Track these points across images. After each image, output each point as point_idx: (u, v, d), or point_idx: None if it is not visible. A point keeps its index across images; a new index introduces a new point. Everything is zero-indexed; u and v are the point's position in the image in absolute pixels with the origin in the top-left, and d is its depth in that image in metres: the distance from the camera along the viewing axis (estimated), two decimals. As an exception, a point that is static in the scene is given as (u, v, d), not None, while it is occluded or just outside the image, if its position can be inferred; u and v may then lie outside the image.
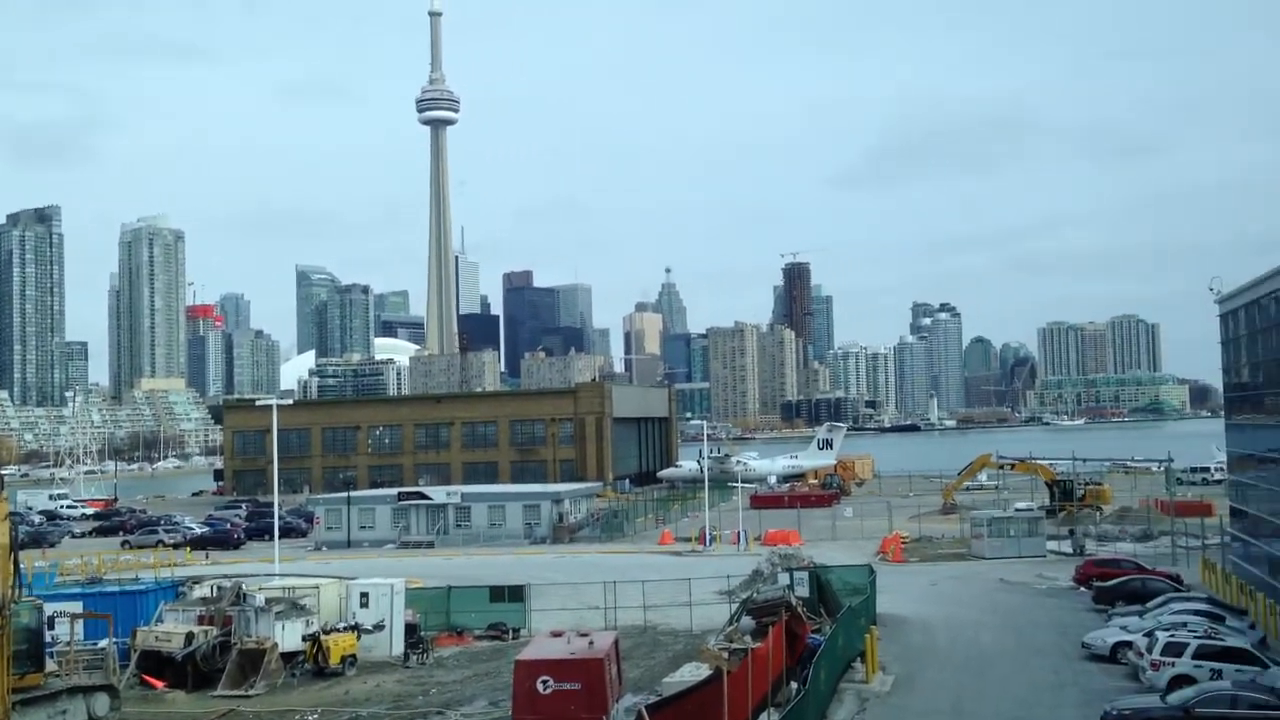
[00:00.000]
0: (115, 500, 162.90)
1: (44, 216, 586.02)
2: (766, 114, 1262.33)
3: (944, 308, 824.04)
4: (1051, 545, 75.71)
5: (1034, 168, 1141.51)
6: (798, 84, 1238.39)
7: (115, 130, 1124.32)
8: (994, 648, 46.47)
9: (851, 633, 42.03)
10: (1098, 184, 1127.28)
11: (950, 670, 42.52)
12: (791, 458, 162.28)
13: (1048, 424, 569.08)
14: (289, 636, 45.33)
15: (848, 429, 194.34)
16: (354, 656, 45.75)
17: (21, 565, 33.18)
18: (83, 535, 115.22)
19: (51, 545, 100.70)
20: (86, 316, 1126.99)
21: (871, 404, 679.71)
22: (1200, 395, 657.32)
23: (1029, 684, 40.11)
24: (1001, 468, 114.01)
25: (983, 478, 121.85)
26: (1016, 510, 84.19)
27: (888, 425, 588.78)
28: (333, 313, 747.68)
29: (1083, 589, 58.91)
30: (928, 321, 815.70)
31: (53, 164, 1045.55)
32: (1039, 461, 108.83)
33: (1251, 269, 53.96)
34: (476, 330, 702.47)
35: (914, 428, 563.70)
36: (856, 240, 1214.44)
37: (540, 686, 33.13)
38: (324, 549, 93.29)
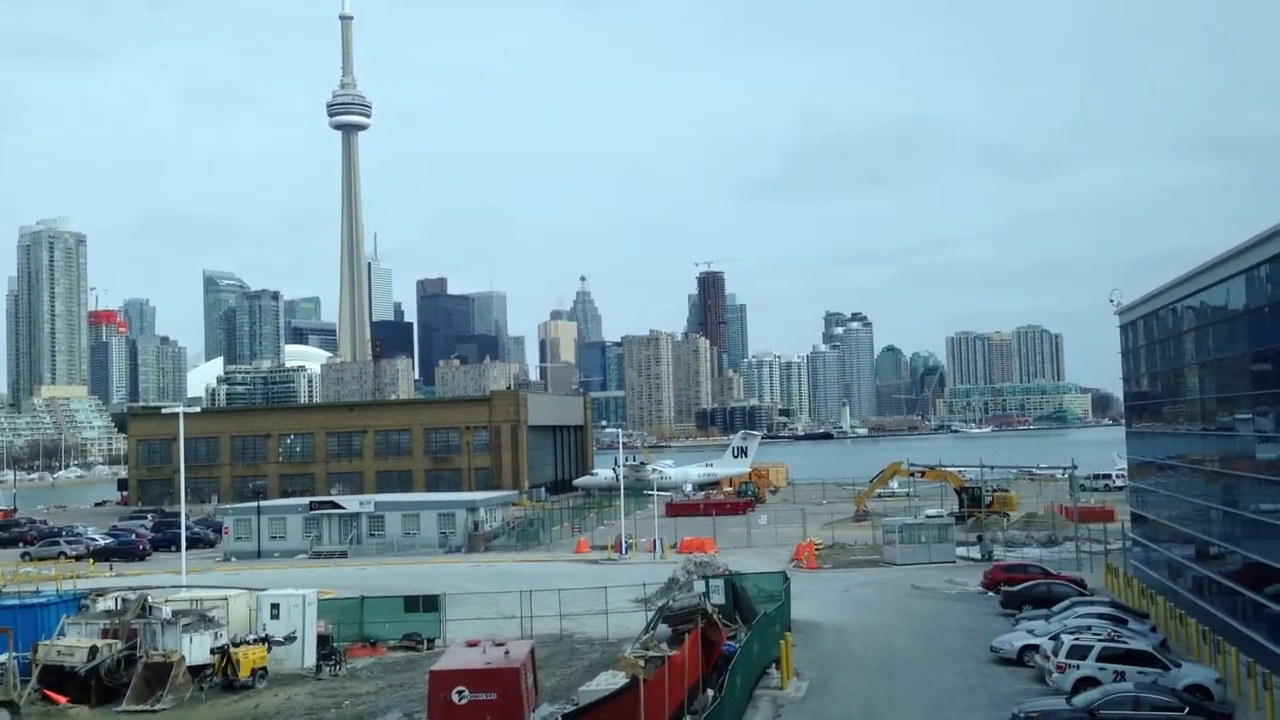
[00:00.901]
0: (14, 510, 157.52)
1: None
2: (681, 125, 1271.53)
3: (855, 317, 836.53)
4: (961, 551, 77.28)
5: (936, 183, 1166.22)
6: (710, 96, 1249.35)
7: (12, 130, 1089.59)
8: (906, 652, 47.26)
9: (767, 639, 42.43)
10: (996, 200, 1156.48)
11: (863, 675, 43.15)
12: (706, 466, 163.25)
13: (956, 432, 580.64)
14: (197, 649, 44.39)
15: (762, 437, 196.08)
16: (265, 669, 44.93)
17: (-85, 579, 31.97)
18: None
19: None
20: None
21: (785, 412, 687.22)
22: (1102, 404, 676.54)
23: (940, 688, 40.88)
24: (912, 475, 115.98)
25: (894, 485, 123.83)
26: (927, 517, 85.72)
27: (801, 433, 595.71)
28: (242, 319, 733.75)
29: (991, 594, 60.23)
30: (840, 331, 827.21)
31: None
32: (948, 469, 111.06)
33: (1148, 283, 55.84)
34: (390, 337, 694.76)
35: (827, 435, 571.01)
36: (769, 251, 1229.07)
37: (455, 697, 32.88)
38: (233, 560, 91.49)
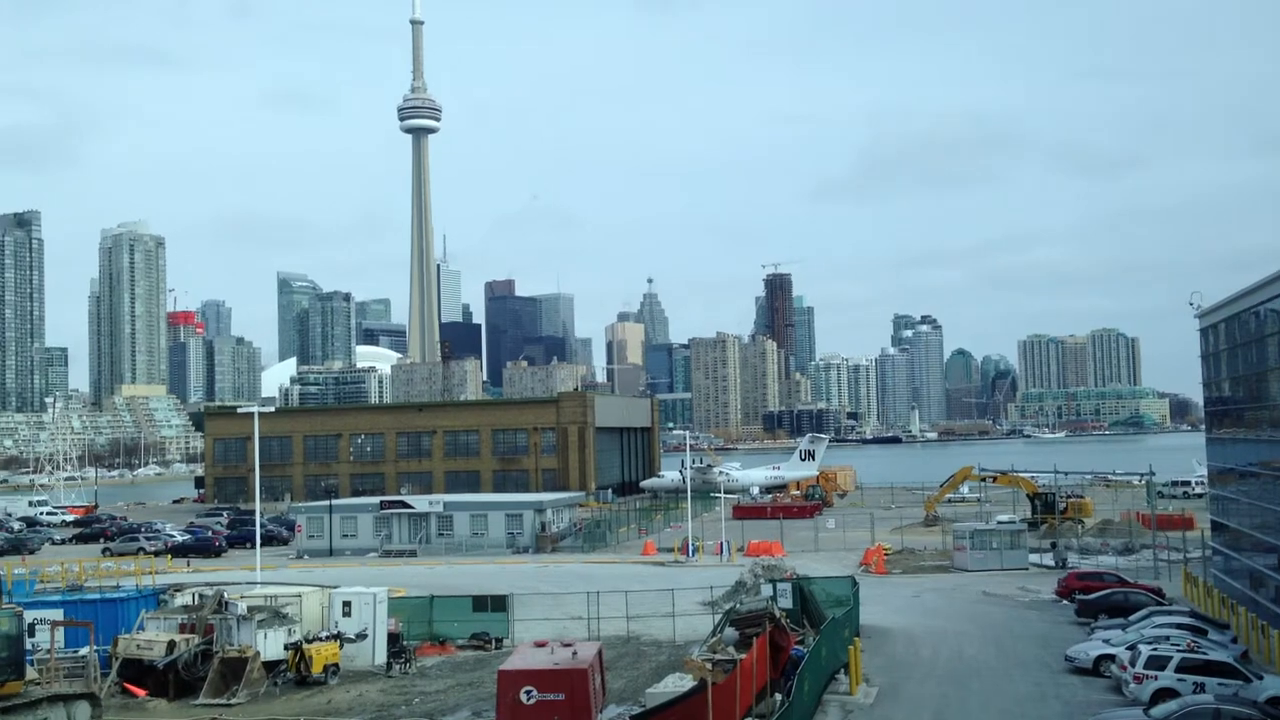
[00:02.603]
0: (95, 507, 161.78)
1: (23, 221, 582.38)
2: (749, 126, 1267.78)
3: (925, 320, 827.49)
4: (1034, 558, 76.00)
5: (1011, 183, 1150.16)
6: (780, 97, 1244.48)
7: (96, 136, 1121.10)
8: (977, 660, 46.58)
9: (835, 644, 42.07)
10: (1074, 200, 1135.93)
11: (933, 682, 42.60)
12: (774, 469, 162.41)
13: (1029, 437, 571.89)
14: (271, 645, 45.09)
15: (830, 440, 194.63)
16: (336, 665, 45.53)
17: (1, 572, 32.88)
18: (63, 542, 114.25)
19: (31, 552, 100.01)
20: (67, 323, 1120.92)
21: (853, 415, 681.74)
22: (1180, 409, 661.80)
23: (1012, 696, 40.22)
24: (983, 480, 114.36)
25: (964, 490, 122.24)
26: (999, 523, 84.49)
27: (869, 437, 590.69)
28: (314, 320, 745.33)
29: (1065, 602, 59.13)
30: (909, 333, 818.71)
31: (32, 169, 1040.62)
32: (1021, 474, 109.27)
33: (1228, 284, 54.52)
34: (458, 339, 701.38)
35: (895, 439, 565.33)
36: (837, 253, 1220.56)
37: (524, 697, 33.03)
38: (306, 557, 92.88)
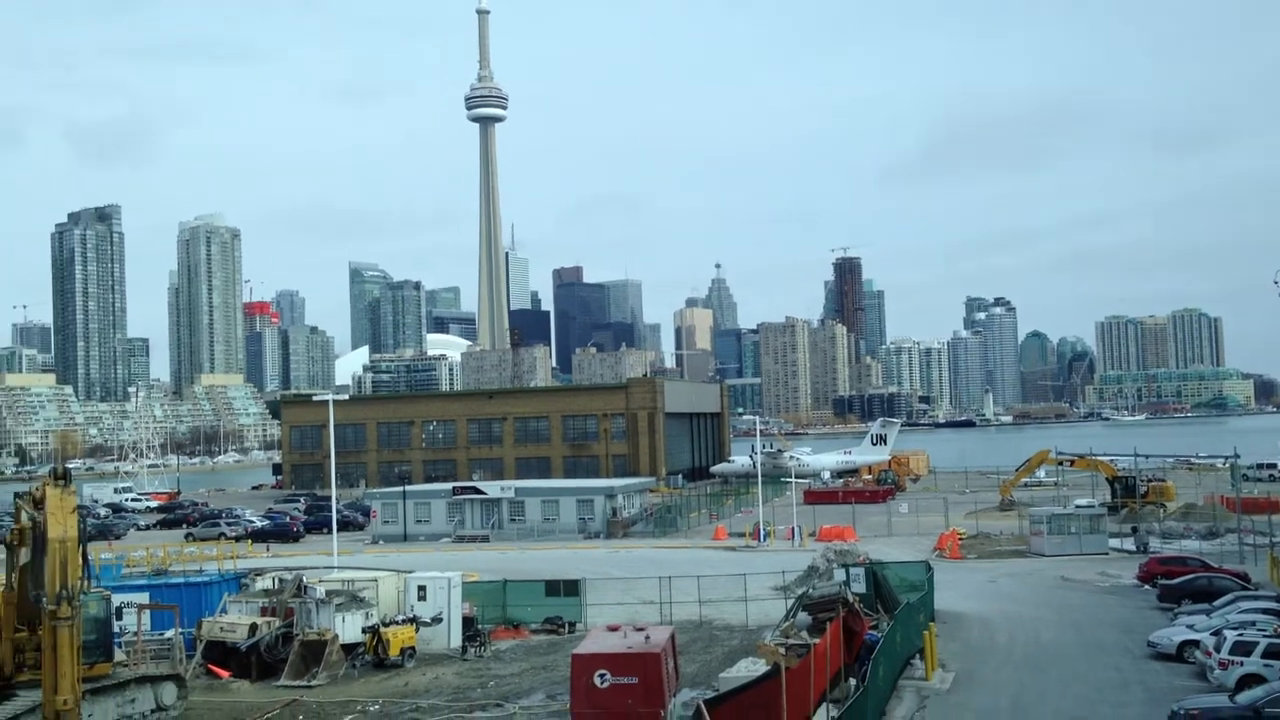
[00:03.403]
0: (178, 493, 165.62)
1: (104, 215, 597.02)
2: (817, 109, 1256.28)
3: (998, 302, 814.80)
4: (1114, 543, 74.60)
5: (1089, 162, 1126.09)
6: (849, 78, 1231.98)
7: (174, 130, 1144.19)
8: (1055, 645, 45.87)
9: (910, 629, 41.68)
10: (1155, 178, 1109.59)
11: (1011, 668, 42.04)
12: (845, 453, 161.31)
13: (1107, 419, 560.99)
14: (349, 628, 45.84)
15: (901, 424, 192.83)
16: (413, 649, 46.15)
17: (89, 557, 33.76)
18: (147, 528, 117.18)
19: (117, 537, 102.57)
20: (148, 313, 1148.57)
21: (925, 399, 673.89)
22: (1266, 390, 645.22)
23: (1092, 682, 39.55)
24: (1061, 464, 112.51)
25: (1041, 474, 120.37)
26: (1077, 507, 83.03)
27: (942, 421, 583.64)
28: (385, 309, 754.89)
29: (1147, 587, 57.97)
30: (982, 316, 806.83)
31: (112, 163, 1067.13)
32: (1099, 458, 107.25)
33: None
34: (527, 326, 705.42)
35: (969, 423, 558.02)
36: (908, 235, 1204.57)
37: (597, 680, 33.20)
38: (381, 542, 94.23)
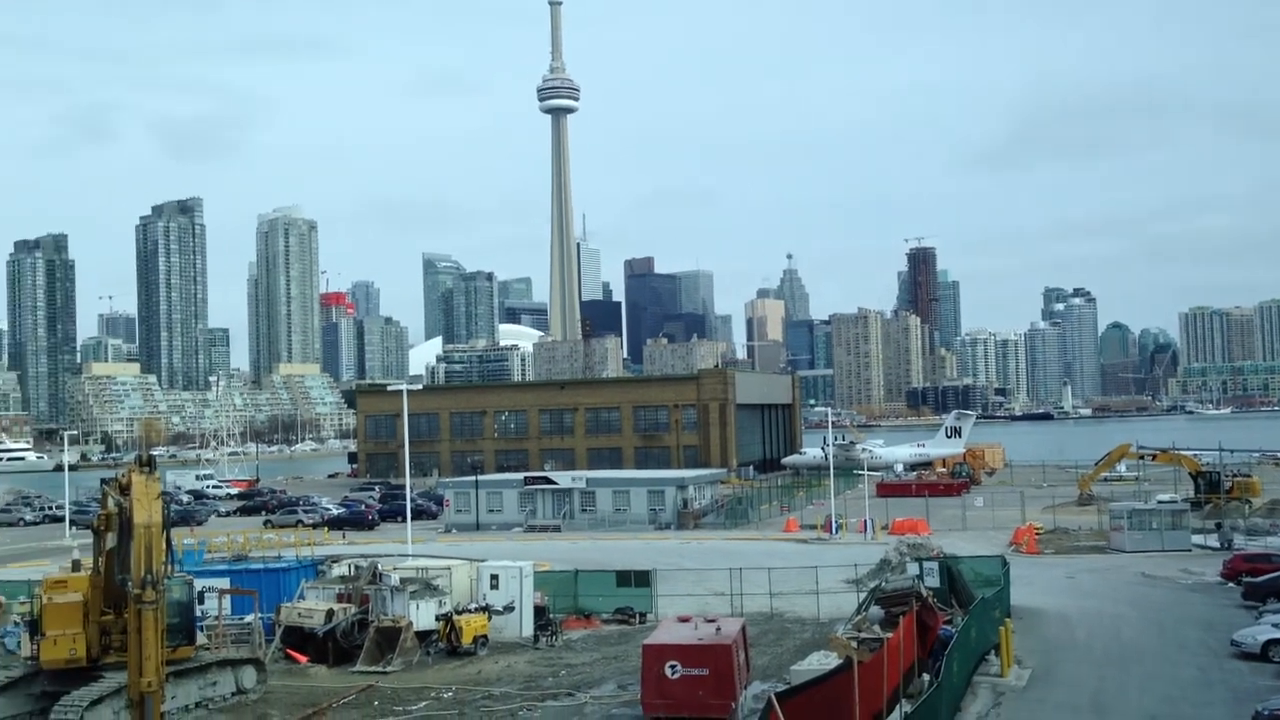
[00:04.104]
0: (257, 481, 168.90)
1: (187, 208, 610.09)
2: (890, 98, 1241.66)
3: (1078, 293, 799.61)
4: (1197, 539, 72.78)
5: (1170, 149, 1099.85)
6: (922, 66, 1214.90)
7: (254, 124, 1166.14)
8: (1136, 643, 44.92)
9: (985, 625, 41.07)
10: (1238, 165, 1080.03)
11: (1089, 665, 41.26)
12: (918, 446, 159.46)
13: (1191, 413, 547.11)
14: (423, 616, 46.38)
15: (977, 417, 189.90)
16: (485, 637, 46.57)
17: (173, 543, 34.53)
18: (227, 514, 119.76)
19: (199, 524, 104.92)
20: (228, 304, 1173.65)
21: (1001, 391, 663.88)
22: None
23: (1174, 681, 38.68)
24: (1142, 458, 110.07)
25: (1121, 468, 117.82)
26: (1159, 502, 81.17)
27: (1019, 413, 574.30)
28: (458, 300, 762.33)
29: (1231, 585, 56.48)
30: (1061, 307, 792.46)
31: (196, 157, 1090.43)
32: (1182, 452, 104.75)
33: None
34: (599, 317, 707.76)
35: (1047, 416, 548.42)
36: (984, 224, 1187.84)
37: (668, 671, 33.26)
38: (454, 531, 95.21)
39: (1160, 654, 42.95)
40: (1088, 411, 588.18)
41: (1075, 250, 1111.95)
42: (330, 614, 45.78)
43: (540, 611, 49.96)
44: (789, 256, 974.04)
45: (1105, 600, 54.58)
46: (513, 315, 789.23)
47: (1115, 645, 44.69)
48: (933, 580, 46.99)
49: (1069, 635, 46.62)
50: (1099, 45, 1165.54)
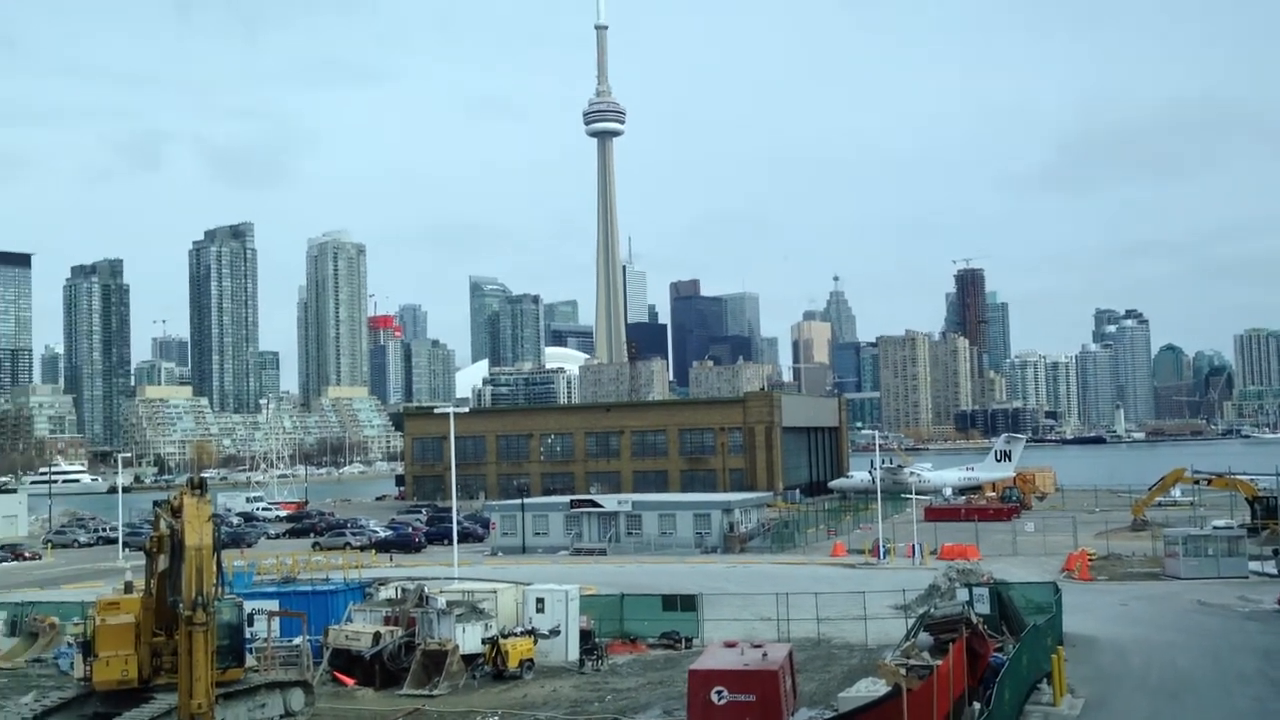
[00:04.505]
0: (306, 503, 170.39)
1: (239, 233, 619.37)
2: (938, 118, 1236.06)
3: (1130, 314, 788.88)
4: (1254, 566, 71.27)
5: (1225, 169, 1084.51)
6: (972, 86, 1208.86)
7: (305, 150, 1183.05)
8: (1192, 673, 44.02)
9: (1037, 652, 40.44)
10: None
11: (1144, 695, 40.47)
12: (967, 469, 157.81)
13: (1247, 437, 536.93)
14: (469, 639, 46.45)
15: (1027, 440, 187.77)
16: (531, 661, 46.54)
17: (223, 564, 34.86)
18: (277, 536, 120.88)
19: (249, 545, 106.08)
20: (278, 327, 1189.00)
21: (1052, 415, 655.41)
22: None
23: (1230, 712, 37.85)
24: (1197, 483, 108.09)
25: (1176, 493, 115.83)
26: (1215, 528, 79.62)
27: (1070, 437, 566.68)
28: (505, 322, 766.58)
29: (1290, 613, 55.29)
30: (1113, 329, 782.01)
31: (247, 182, 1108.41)
32: (1239, 477, 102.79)
33: None
34: (645, 339, 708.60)
35: (1099, 440, 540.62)
36: (1033, 246, 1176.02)
37: (715, 697, 33.02)
38: (500, 554, 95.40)
39: (1216, 683, 42.05)
40: (1141, 435, 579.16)
41: (1127, 271, 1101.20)
42: (377, 637, 45.98)
43: (586, 635, 49.86)
44: (835, 278, 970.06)
45: (1160, 628, 53.57)
46: (559, 338, 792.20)
47: (1170, 674, 43.82)
48: (983, 607, 46.37)
49: (1123, 664, 45.78)
50: (1151, 64, 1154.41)
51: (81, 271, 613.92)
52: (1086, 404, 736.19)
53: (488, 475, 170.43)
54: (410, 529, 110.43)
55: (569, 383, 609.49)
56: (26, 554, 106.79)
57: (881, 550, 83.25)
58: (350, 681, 45.04)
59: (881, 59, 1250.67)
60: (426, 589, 50.46)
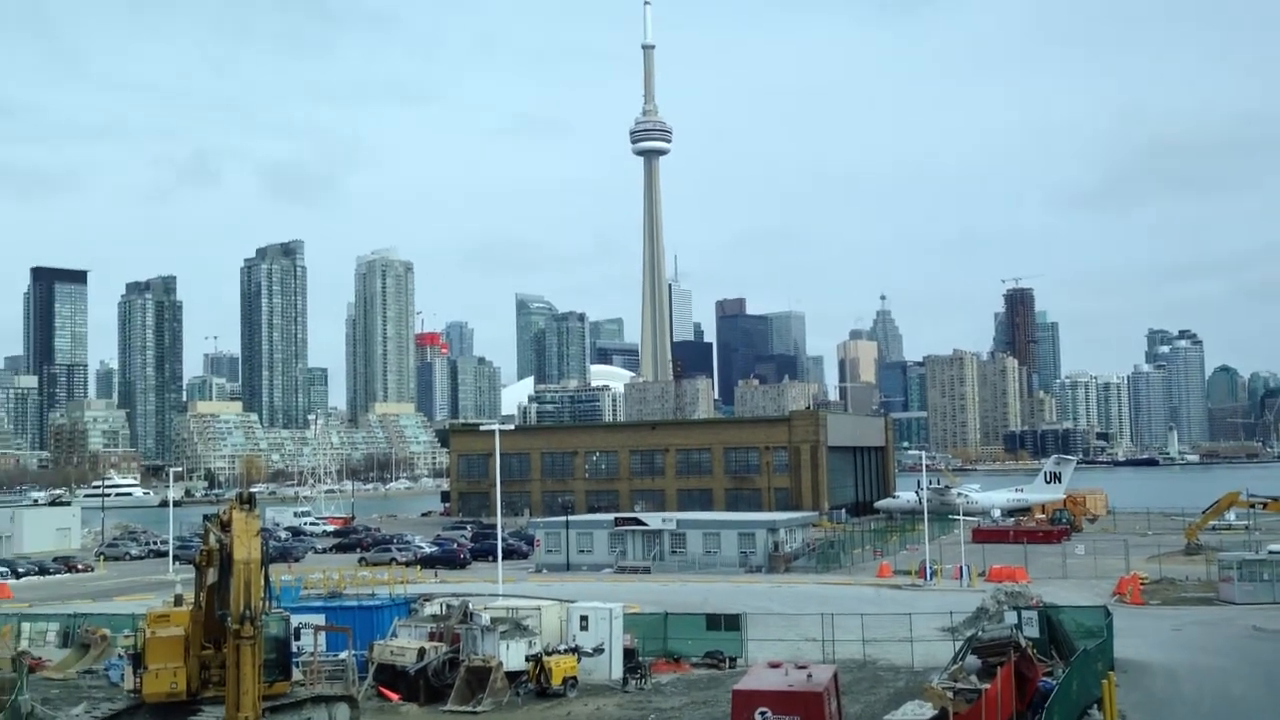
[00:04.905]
0: (353, 519, 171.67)
1: (289, 250, 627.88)
2: (987, 136, 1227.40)
3: (1183, 334, 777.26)
4: (1311, 591, 69.77)
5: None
6: (1020, 105, 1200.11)
7: (354, 168, 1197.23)
8: (1247, 700, 43.12)
9: (1087, 677, 39.81)
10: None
11: (1197, 723, 39.72)
12: (1016, 491, 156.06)
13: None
14: (513, 656, 46.49)
15: (1078, 462, 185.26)
16: (575, 678, 46.48)
17: (271, 579, 35.17)
18: (324, 551, 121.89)
19: (296, 560, 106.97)
20: (327, 344, 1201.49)
21: (1104, 436, 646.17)
22: None
23: (1289, 742, 37.02)
24: (1252, 506, 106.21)
25: (1230, 517, 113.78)
26: (1270, 552, 77.99)
27: (1122, 459, 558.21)
28: (550, 340, 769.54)
29: (1349, 641, 54.02)
30: (1165, 349, 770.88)
31: (296, 200, 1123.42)
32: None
33: None
34: (690, 357, 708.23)
35: (1152, 462, 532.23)
36: (1084, 265, 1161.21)
37: (758, 718, 32.78)
38: (544, 571, 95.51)
39: (1271, 711, 41.18)
40: (1195, 457, 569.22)
41: (1181, 291, 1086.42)
42: (422, 652, 46.14)
43: (629, 654, 49.74)
44: (882, 297, 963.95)
45: (1213, 654, 52.54)
46: (604, 356, 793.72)
47: (1224, 702, 42.96)
48: (1032, 630, 45.81)
49: (1175, 690, 44.95)
50: (1204, 80, 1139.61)
51: (136, 288, 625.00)
52: (1139, 425, 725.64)
53: (532, 492, 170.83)
54: (455, 545, 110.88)
55: (614, 400, 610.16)
56: (79, 566, 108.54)
57: (928, 572, 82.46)
58: (395, 697, 45.22)
59: (926, 76, 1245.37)
60: (471, 605, 50.61)
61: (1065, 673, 38.45)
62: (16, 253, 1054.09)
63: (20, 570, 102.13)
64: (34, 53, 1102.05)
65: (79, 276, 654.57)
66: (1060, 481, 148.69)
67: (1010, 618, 47.05)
